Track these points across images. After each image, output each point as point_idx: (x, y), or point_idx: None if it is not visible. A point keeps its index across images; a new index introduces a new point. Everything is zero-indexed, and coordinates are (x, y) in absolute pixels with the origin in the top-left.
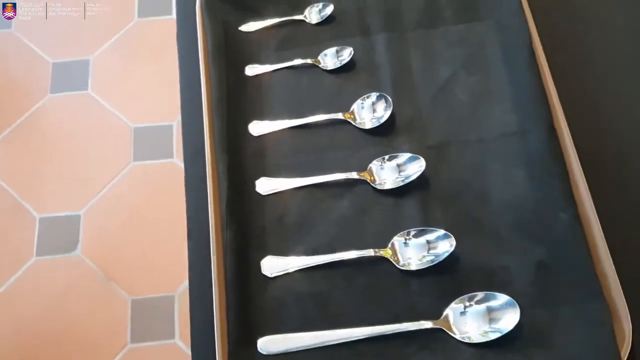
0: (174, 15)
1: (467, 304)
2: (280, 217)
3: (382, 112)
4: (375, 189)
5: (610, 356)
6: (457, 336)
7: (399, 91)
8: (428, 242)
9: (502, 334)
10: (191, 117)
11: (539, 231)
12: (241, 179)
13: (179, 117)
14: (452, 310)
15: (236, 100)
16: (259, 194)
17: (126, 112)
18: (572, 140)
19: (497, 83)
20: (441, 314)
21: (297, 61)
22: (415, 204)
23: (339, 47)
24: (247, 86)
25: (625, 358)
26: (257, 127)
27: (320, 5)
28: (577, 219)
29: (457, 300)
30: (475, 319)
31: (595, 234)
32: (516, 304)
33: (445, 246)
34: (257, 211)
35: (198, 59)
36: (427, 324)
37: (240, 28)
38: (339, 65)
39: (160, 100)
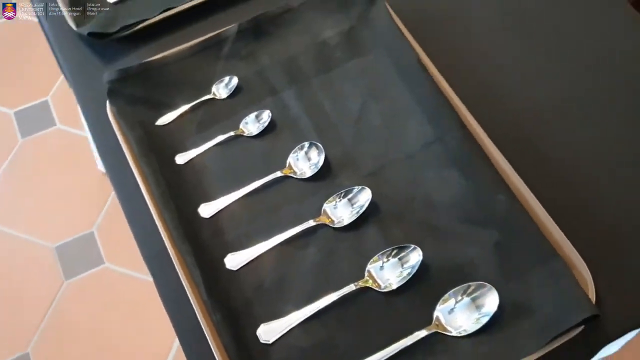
0: (58, 125)
1: (451, 301)
2: (258, 285)
3: (317, 158)
4: (335, 228)
5: (583, 303)
6: (454, 333)
7: (323, 135)
8: (399, 259)
9: (490, 317)
10: (139, 221)
11: (485, 217)
12: (209, 262)
13: (97, 222)
14: (440, 312)
15: (177, 190)
16: (230, 270)
17: (40, 234)
18: (484, 131)
19: (402, 102)
20: (432, 318)
21: (221, 137)
22: (374, 230)
23: (257, 112)
24: (183, 174)
25: (594, 302)
26: (207, 209)
27: (226, 79)
28: (512, 196)
29: (440, 302)
30: (464, 311)
31: (531, 203)
32: (491, 286)
33: (415, 257)
34: (234, 287)
35: (125, 164)
36: (422, 333)
37: (157, 123)
38: (262, 129)
39: (72, 210)
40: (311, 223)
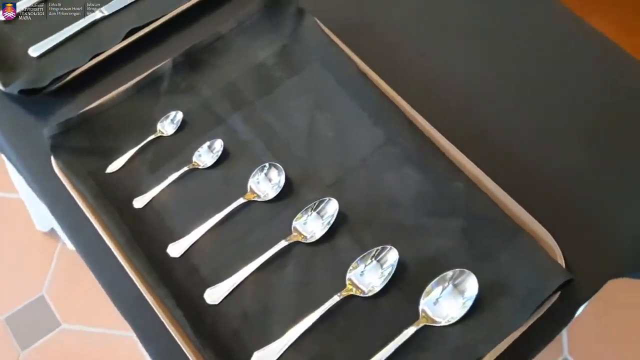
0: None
1: (434, 292)
2: (243, 314)
3: (278, 178)
4: (308, 244)
5: (556, 270)
6: (443, 322)
7: (278, 154)
8: (378, 261)
9: (474, 300)
10: (107, 272)
11: (448, 206)
12: (189, 301)
13: (45, 284)
14: (425, 305)
15: (142, 235)
16: (212, 305)
17: None
18: (430, 125)
19: (348, 111)
20: (418, 313)
21: (176, 174)
22: (346, 238)
23: (209, 143)
24: (145, 218)
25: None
26: (176, 249)
27: (170, 115)
28: (469, 182)
29: (423, 295)
30: (448, 300)
31: (488, 186)
32: (469, 271)
33: (393, 256)
34: (220, 321)
35: (80, 217)
36: (412, 329)
37: (107, 171)
38: (216, 158)
39: (17, 277)
40: (284, 243)
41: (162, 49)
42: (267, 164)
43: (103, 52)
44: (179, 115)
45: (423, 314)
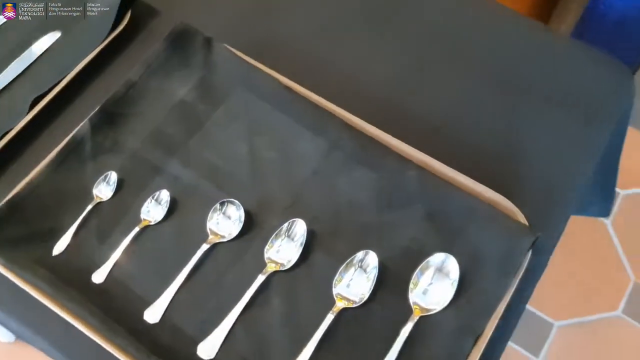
0: None
1: (420, 282)
2: (242, 359)
3: (237, 213)
4: (286, 271)
5: (523, 231)
6: (438, 308)
7: (229, 189)
8: (360, 268)
9: (459, 279)
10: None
11: (406, 196)
12: None
13: None
14: (415, 298)
15: (112, 310)
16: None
17: None
18: (365, 122)
19: (284, 128)
20: (411, 307)
21: (128, 237)
22: (321, 254)
23: (154, 196)
24: (110, 291)
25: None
26: (153, 315)
27: (103, 178)
28: (418, 168)
29: (410, 289)
30: (436, 286)
31: (435, 166)
32: (446, 253)
33: (373, 260)
34: None
35: (39, 311)
36: (410, 325)
37: (54, 254)
38: (166, 210)
39: None
40: (262, 278)
41: (74, 111)
42: (220, 203)
43: (11, 129)
44: (113, 176)
45: (416, 307)
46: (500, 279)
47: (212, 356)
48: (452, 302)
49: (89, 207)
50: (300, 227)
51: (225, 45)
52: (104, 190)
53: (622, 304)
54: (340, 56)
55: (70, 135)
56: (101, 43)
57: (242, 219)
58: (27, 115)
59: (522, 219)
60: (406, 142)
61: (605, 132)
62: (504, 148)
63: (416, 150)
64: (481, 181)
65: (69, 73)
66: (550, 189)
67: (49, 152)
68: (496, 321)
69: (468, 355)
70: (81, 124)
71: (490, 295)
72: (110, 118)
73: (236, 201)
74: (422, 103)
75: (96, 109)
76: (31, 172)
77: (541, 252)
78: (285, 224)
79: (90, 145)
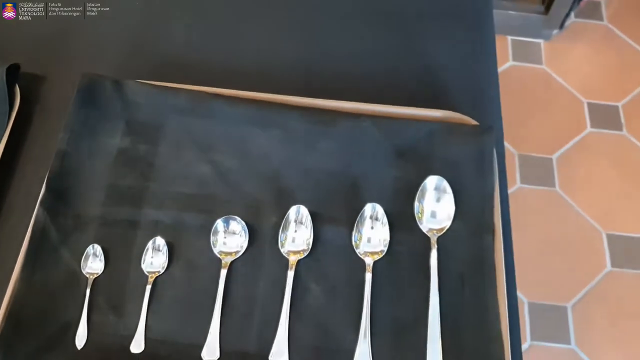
0: None
1: (425, 209)
2: (316, 348)
3: (239, 226)
4: (308, 255)
5: (480, 130)
6: (449, 224)
7: (214, 209)
8: (371, 218)
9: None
10: None
11: (371, 145)
12: None
13: None
14: (427, 224)
15: None
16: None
17: None
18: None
19: (228, 136)
20: (426, 235)
21: (145, 297)
22: (330, 227)
23: (149, 246)
24: (157, 353)
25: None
26: (211, 351)
27: (88, 252)
28: (369, 116)
29: (417, 218)
30: (439, 204)
31: (382, 109)
32: (431, 176)
33: (378, 209)
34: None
35: None
36: (434, 252)
37: (80, 347)
38: (167, 254)
39: None
40: (291, 274)
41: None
42: (218, 224)
43: None
44: (97, 248)
45: (431, 231)
46: (485, 177)
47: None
48: (456, 214)
49: (88, 289)
50: (303, 210)
51: (135, 80)
52: (94, 266)
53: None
54: (243, 48)
55: (30, 229)
56: (5, 129)
57: (246, 229)
58: None
59: (474, 122)
60: (342, 100)
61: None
62: (423, 72)
63: (355, 103)
64: (419, 105)
65: None
66: (475, 90)
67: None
68: (499, 215)
69: (492, 251)
70: (35, 214)
71: (484, 193)
72: (59, 195)
73: (233, 216)
74: (335, 61)
75: (42, 192)
76: (10, 284)
77: (498, 144)
78: (288, 214)
79: (55, 230)
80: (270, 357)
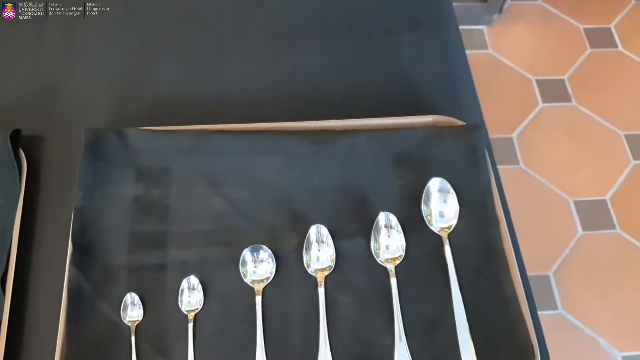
0: None
1: (432, 210)
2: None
3: (266, 254)
4: (334, 271)
5: (469, 129)
6: (456, 221)
7: (237, 242)
8: (386, 228)
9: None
10: None
11: (371, 158)
12: None
13: None
14: (437, 224)
15: None
16: None
17: None
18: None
19: (235, 169)
20: (438, 235)
21: (190, 337)
22: (349, 241)
23: (184, 287)
24: None
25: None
26: None
27: (126, 301)
28: (365, 131)
29: (427, 220)
30: (445, 204)
31: (374, 123)
32: (432, 179)
33: (391, 217)
34: None
35: None
36: (448, 249)
37: None
38: (202, 293)
39: None
40: (322, 291)
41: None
42: (245, 255)
43: None
44: (135, 297)
45: (443, 231)
46: (481, 171)
47: None
48: (461, 211)
49: (133, 338)
50: (323, 230)
51: (136, 128)
52: (134, 314)
53: None
54: (229, 82)
55: (65, 288)
56: (19, 195)
57: (273, 256)
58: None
59: (461, 123)
60: (335, 119)
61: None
62: (402, 84)
63: (348, 120)
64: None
65: (8, 244)
66: (453, 92)
67: None
68: (500, 205)
69: (500, 240)
70: (67, 272)
71: (483, 187)
72: (86, 251)
73: (259, 245)
74: (318, 81)
75: (70, 250)
76: (57, 345)
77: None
78: (309, 235)
79: (88, 285)
80: None
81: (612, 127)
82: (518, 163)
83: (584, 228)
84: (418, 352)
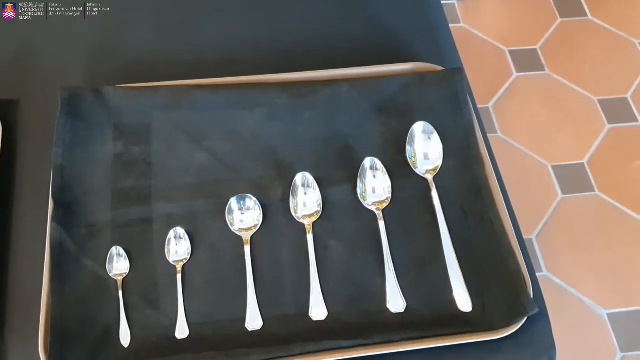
0: None
1: (417, 153)
2: (349, 297)
3: (252, 202)
4: (321, 216)
5: (450, 73)
6: (441, 162)
7: (222, 192)
8: (371, 170)
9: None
10: None
11: (353, 107)
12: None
13: None
14: (422, 166)
15: (218, 345)
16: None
17: None
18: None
19: (217, 123)
20: (424, 177)
21: (179, 287)
22: (335, 187)
23: (170, 237)
24: (203, 334)
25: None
26: (253, 321)
27: (112, 259)
28: (345, 80)
29: (412, 163)
30: (429, 146)
31: (354, 72)
32: (415, 123)
33: (376, 162)
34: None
35: None
36: (435, 192)
37: (126, 346)
38: (189, 241)
39: None
40: (310, 237)
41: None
42: (231, 204)
43: None
44: (119, 249)
45: (428, 173)
46: (463, 113)
47: (323, 318)
48: (445, 152)
49: (120, 291)
50: (308, 176)
51: (114, 86)
52: (119, 266)
53: None
54: (206, 39)
55: (48, 245)
56: None
57: (259, 203)
58: None
59: (440, 68)
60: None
61: None
62: (380, 33)
63: (329, 71)
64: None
65: None
66: (430, 40)
67: None
68: (484, 145)
69: (486, 177)
70: (49, 230)
71: (466, 128)
72: (68, 208)
73: (245, 194)
74: (295, 34)
75: (51, 208)
76: (42, 301)
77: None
78: (295, 182)
79: (72, 242)
80: (310, 314)
81: (586, 93)
82: (496, 131)
83: (564, 191)
84: (409, 290)
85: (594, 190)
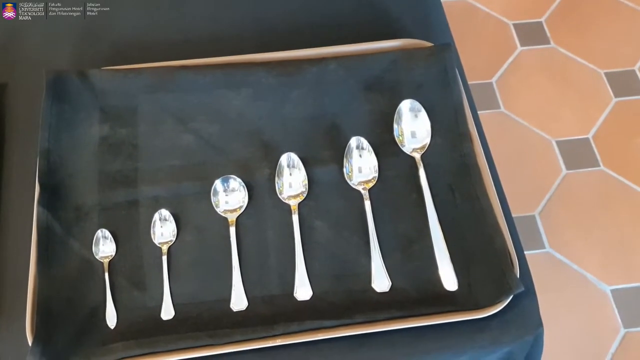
0: None
1: (404, 132)
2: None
3: (236, 183)
4: (307, 197)
5: (439, 48)
6: (429, 140)
7: (208, 174)
8: (357, 149)
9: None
10: None
11: (341, 85)
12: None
13: None
14: (409, 145)
15: (203, 326)
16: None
17: None
18: (255, 54)
19: (202, 104)
20: (411, 156)
21: (164, 269)
22: (321, 167)
23: (155, 219)
24: (188, 314)
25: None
26: (238, 301)
27: (98, 242)
28: (333, 58)
29: (399, 142)
30: (416, 124)
31: (342, 50)
32: (403, 100)
33: (363, 141)
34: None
35: None
36: (422, 171)
37: (112, 327)
38: (174, 223)
39: None
40: (296, 217)
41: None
42: (217, 185)
43: None
44: (106, 232)
45: (415, 151)
46: (452, 89)
47: (308, 298)
48: (433, 130)
49: (106, 273)
50: (293, 156)
51: (99, 68)
52: (106, 249)
53: None
54: (192, 20)
55: (34, 228)
56: None
57: (244, 184)
58: None
59: (429, 44)
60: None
61: None
62: (365, 7)
63: (317, 49)
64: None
65: None
66: (421, 16)
67: None
68: (472, 122)
69: (474, 155)
70: (35, 213)
71: (454, 105)
72: (54, 191)
73: (230, 175)
74: (283, 12)
75: (37, 191)
76: (29, 284)
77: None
78: (280, 162)
79: (58, 224)
80: (295, 294)
81: (592, 66)
82: (499, 107)
83: (568, 167)
84: (395, 269)
85: (599, 165)
